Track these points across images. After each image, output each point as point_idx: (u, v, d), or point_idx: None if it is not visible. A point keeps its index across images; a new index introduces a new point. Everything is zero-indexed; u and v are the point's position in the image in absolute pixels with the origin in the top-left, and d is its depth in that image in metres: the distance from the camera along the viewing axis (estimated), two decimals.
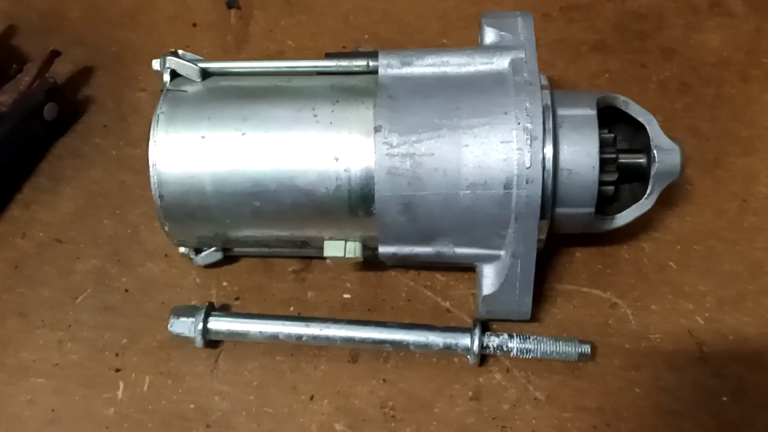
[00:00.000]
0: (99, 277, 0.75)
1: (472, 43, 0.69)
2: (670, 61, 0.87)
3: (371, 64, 0.66)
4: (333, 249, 0.67)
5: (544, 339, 0.67)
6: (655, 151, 0.65)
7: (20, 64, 0.83)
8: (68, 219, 0.79)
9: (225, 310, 0.72)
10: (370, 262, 0.71)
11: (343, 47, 0.89)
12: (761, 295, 0.72)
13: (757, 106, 0.84)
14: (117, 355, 0.71)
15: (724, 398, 0.67)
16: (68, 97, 0.85)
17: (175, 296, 0.74)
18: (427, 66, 0.65)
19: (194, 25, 0.93)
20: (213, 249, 0.72)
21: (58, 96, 0.82)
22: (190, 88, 0.67)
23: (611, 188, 0.67)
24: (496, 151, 0.61)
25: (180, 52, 0.69)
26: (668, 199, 0.76)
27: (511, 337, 0.67)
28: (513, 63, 0.64)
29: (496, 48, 0.65)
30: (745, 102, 0.84)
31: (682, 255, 0.75)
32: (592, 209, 0.65)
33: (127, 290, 0.75)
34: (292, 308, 0.73)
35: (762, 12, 0.91)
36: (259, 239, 0.69)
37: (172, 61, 0.67)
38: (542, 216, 0.62)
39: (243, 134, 0.64)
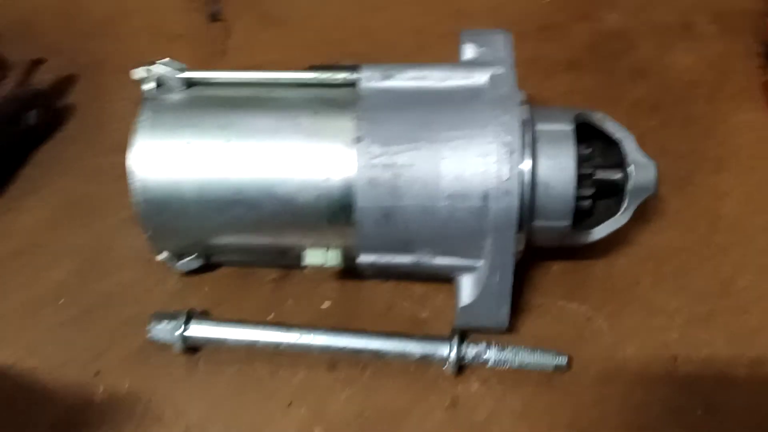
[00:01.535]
0: (77, 283, 0.75)
1: (448, 60, 0.70)
2: (642, 81, 0.89)
3: (353, 76, 0.67)
4: (313, 257, 0.67)
5: (521, 349, 0.68)
6: (630, 167, 0.66)
7: (2, 71, 0.83)
8: (47, 225, 0.79)
9: (205, 317, 0.72)
10: (349, 271, 0.71)
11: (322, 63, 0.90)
12: (730, 313, 0.72)
13: (727, 125, 0.85)
14: (96, 358, 0.70)
15: (698, 412, 0.67)
16: (50, 105, 0.85)
17: (154, 303, 0.73)
18: (408, 79, 0.66)
19: (173, 37, 0.93)
20: (193, 256, 0.72)
21: (39, 103, 0.82)
22: (173, 96, 0.68)
23: (588, 203, 0.68)
24: (474, 163, 0.62)
25: (164, 60, 0.69)
26: (642, 215, 0.76)
27: (488, 347, 0.68)
28: (492, 78, 0.65)
29: (476, 64, 0.66)
30: (716, 121, 0.86)
31: (655, 270, 0.75)
32: (568, 222, 0.65)
33: (103, 297, 0.74)
34: (271, 316, 0.73)
35: (731, 34, 0.93)
36: (239, 247, 0.70)
37: (156, 69, 0.68)
38: (519, 228, 0.63)
39: (225, 142, 0.65)
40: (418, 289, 0.74)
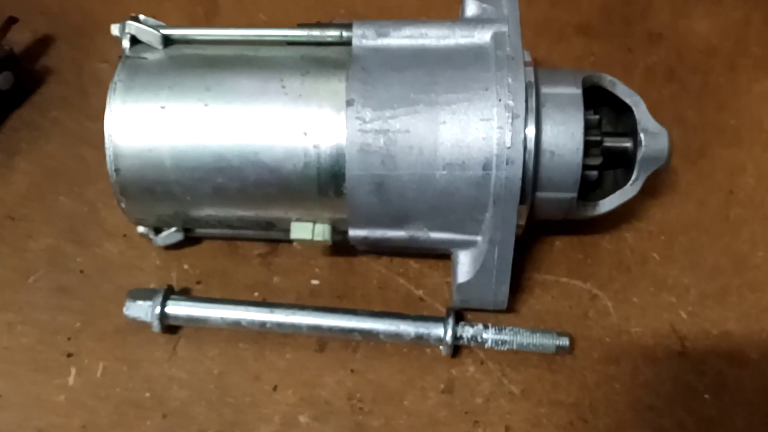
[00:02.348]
0: (53, 257, 0.72)
1: None
2: (656, 47, 0.86)
3: (345, 34, 0.64)
4: (300, 231, 0.64)
5: (521, 330, 0.65)
6: (641, 135, 0.63)
7: None
8: (22, 195, 0.76)
9: (186, 294, 0.69)
10: (341, 246, 0.68)
11: (317, 21, 0.86)
12: (745, 290, 0.71)
13: (744, 96, 0.83)
14: (70, 339, 0.68)
15: (705, 396, 0.65)
16: (25, 67, 0.81)
17: (133, 278, 0.71)
18: (405, 38, 0.63)
19: None
20: (174, 229, 0.68)
21: (13, 65, 0.79)
22: (150, 56, 0.64)
23: (595, 173, 0.65)
24: (475, 129, 0.58)
25: (141, 17, 0.65)
26: (652, 188, 0.74)
27: (486, 327, 0.65)
28: (495, 37, 0.61)
29: (478, 21, 0.63)
30: (732, 91, 0.83)
31: (666, 247, 0.73)
32: (574, 194, 0.62)
33: (82, 271, 0.71)
34: (257, 294, 0.70)
35: (751, 0, 0.89)
36: (222, 219, 0.66)
37: (132, 26, 0.64)
38: (522, 200, 0.60)
39: (206, 105, 0.61)
40: (413, 265, 0.72)
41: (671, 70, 0.84)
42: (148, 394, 0.65)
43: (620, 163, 0.66)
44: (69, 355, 0.67)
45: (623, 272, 0.72)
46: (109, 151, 0.61)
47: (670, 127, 0.72)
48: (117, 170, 0.62)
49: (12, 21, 0.78)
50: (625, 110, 0.65)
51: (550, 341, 0.65)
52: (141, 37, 0.64)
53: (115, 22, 0.78)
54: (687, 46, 0.86)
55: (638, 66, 0.84)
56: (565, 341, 0.65)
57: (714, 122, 0.81)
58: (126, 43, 0.64)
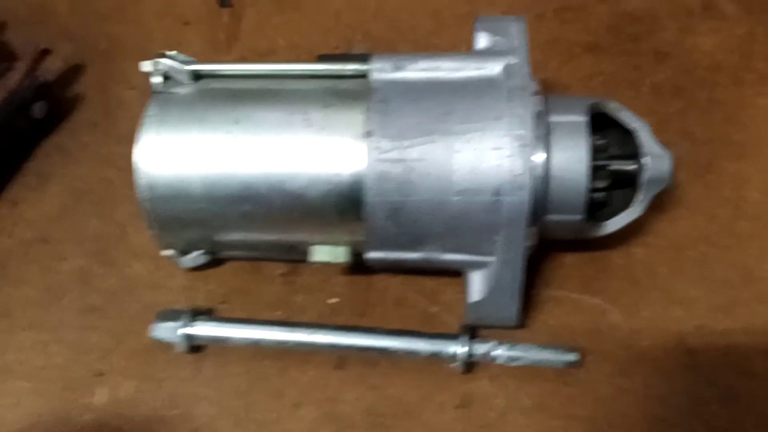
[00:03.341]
0: (84, 278, 0.74)
1: (464, 42, 0.69)
2: (663, 64, 0.87)
3: (363, 67, 0.66)
4: (322, 253, 0.67)
5: (532, 347, 0.67)
6: (646, 158, 0.65)
7: (9, 61, 0.82)
8: (54, 218, 0.78)
9: (210, 314, 0.71)
10: (359, 265, 0.70)
11: (336, 46, 0.89)
12: (753, 303, 0.71)
13: (750, 110, 0.83)
14: (101, 358, 0.70)
15: (714, 407, 0.66)
16: (57, 95, 0.84)
17: (160, 298, 0.73)
18: (420, 70, 0.65)
19: (185, 22, 0.92)
20: (200, 252, 0.71)
21: (47, 94, 0.81)
22: (180, 90, 0.67)
23: (602, 195, 0.67)
24: (488, 157, 0.61)
25: (171, 53, 0.68)
26: (660, 203, 0.75)
27: (498, 344, 0.67)
28: (506, 69, 0.63)
29: (489, 53, 0.65)
30: (738, 106, 0.84)
31: (674, 260, 0.74)
32: (582, 216, 0.64)
33: (112, 291, 0.74)
34: (279, 312, 0.72)
35: (755, 15, 0.90)
36: (247, 243, 0.69)
37: (162, 63, 0.66)
38: (532, 223, 0.62)
39: (234, 137, 0.63)
40: (428, 282, 0.73)
41: (678, 86, 0.85)
42: (176, 412, 0.67)
43: (627, 184, 0.67)
44: (100, 374, 0.69)
45: (633, 286, 0.72)
46: (141, 181, 0.64)
47: (678, 142, 0.74)
48: (149, 199, 0.64)
49: (45, 53, 0.81)
50: (632, 132, 0.66)
51: (560, 357, 0.66)
52: (171, 72, 0.67)
53: (140, 48, 0.82)
54: (693, 62, 0.86)
55: (645, 83, 0.85)
56: (574, 357, 0.66)
57: (721, 137, 0.81)
58: (157, 79, 0.67)
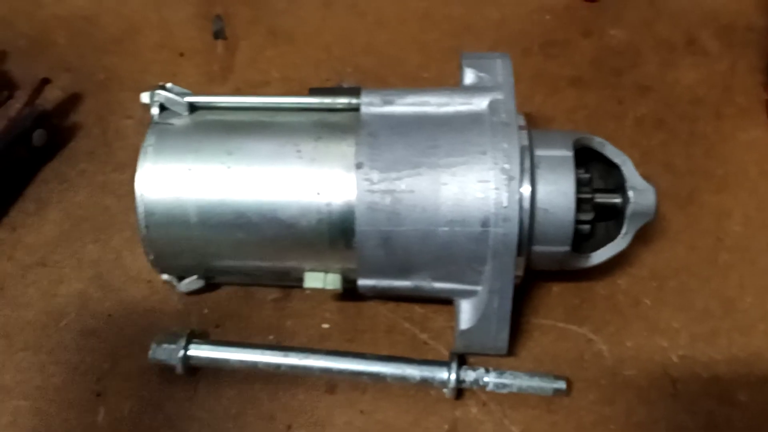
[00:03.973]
0: (82, 301, 0.76)
1: (451, 75, 0.71)
2: (646, 98, 0.88)
3: (353, 101, 0.68)
4: (313, 280, 0.68)
5: (520, 374, 0.68)
6: (630, 192, 0.66)
7: (10, 90, 0.84)
8: (53, 243, 0.80)
9: (205, 337, 0.73)
10: (350, 292, 0.71)
11: (327, 79, 0.91)
12: (733, 333, 0.73)
13: (730, 143, 0.85)
14: (98, 379, 0.71)
15: None
16: (56, 124, 0.85)
17: (156, 322, 0.74)
18: (408, 105, 0.66)
19: (181, 54, 0.94)
20: (195, 277, 0.72)
21: (46, 123, 0.83)
22: (177, 121, 0.69)
23: (587, 227, 0.68)
24: (473, 189, 0.62)
25: (168, 85, 0.70)
26: (643, 234, 0.75)
27: (487, 371, 0.68)
28: (491, 104, 0.65)
29: (475, 89, 0.67)
30: (719, 139, 0.85)
31: (657, 291, 0.75)
32: (568, 247, 0.66)
33: (110, 315, 0.75)
34: (271, 336, 0.73)
35: (736, 50, 0.93)
36: (240, 269, 0.70)
37: (160, 95, 0.68)
38: (519, 253, 0.63)
39: (228, 167, 0.65)
40: (418, 310, 0.74)
41: (660, 119, 0.87)
42: None
43: (611, 216, 0.69)
44: (98, 395, 0.70)
45: (616, 316, 0.74)
46: (140, 209, 0.66)
47: (660, 174, 0.75)
48: (147, 227, 0.66)
49: (45, 82, 0.83)
50: (615, 165, 0.68)
51: (547, 384, 0.67)
52: (168, 104, 0.69)
53: (136, 79, 0.83)
54: (675, 96, 0.88)
55: (628, 116, 0.87)
56: (562, 384, 0.67)
57: (702, 169, 0.83)
58: (155, 110, 0.69)
